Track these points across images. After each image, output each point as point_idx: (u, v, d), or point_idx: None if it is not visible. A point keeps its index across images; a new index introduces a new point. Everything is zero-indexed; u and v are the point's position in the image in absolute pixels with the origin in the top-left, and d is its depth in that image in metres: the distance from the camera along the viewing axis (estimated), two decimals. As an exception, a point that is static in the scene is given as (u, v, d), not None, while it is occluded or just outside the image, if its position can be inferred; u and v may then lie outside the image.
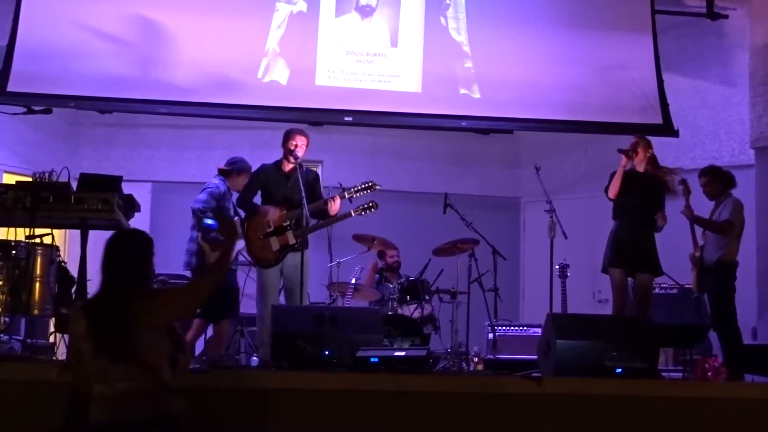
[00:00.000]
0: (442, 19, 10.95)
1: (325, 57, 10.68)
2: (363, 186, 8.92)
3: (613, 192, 8.77)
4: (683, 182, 9.00)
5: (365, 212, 8.98)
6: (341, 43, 10.73)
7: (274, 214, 8.70)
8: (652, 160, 8.90)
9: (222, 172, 9.42)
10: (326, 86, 10.68)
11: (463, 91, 10.83)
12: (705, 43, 11.78)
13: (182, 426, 5.04)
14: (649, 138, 8.98)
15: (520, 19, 10.99)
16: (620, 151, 8.84)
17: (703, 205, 9.21)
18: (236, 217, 9.28)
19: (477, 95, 10.84)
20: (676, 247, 10.87)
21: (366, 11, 10.79)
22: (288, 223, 8.64)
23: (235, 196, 9.20)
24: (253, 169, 9.13)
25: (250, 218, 8.77)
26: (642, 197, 8.78)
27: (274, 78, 10.57)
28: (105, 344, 4.83)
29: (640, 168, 8.86)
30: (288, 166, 8.80)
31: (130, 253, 5.11)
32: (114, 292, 4.95)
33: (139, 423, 4.84)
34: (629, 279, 8.80)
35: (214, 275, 5.45)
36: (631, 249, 8.71)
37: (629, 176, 8.81)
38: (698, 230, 9.13)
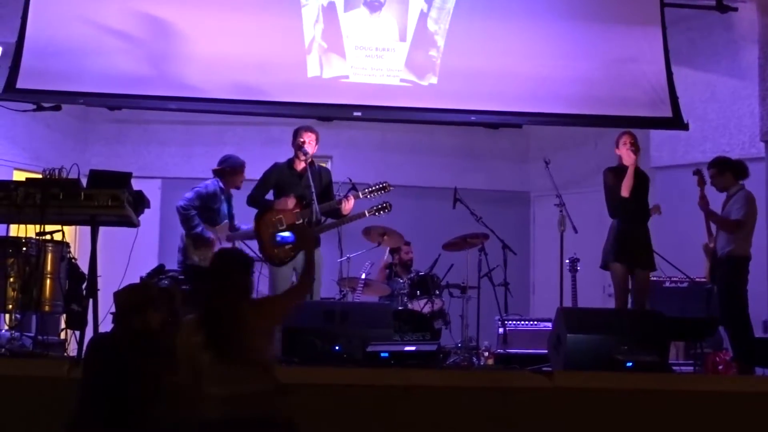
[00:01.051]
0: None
1: (334, 52, 10.68)
2: (377, 187, 8.95)
3: (627, 191, 8.79)
4: (697, 172, 9.01)
5: (379, 213, 9.01)
6: (350, 38, 10.71)
7: (286, 212, 8.70)
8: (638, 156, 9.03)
9: (216, 173, 9.42)
10: (335, 81, 10.65)
11: (471, 85, 10.81)
12: (714, 36, 11.75)
13: (295, 425, 5.37)
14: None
15: (528, 13, 10.95)
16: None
17: (718, 196, 9.18)
18: (225, 221, 9.26)
19: (484, 89, 10.82)
20: (686, 241, 10.88)
21: (374, 6, 10.77)
22: (301, 221, 8.64)
23: (241, 195, 9.20)
24: (265, 167, 9.12)
25: (263, 216, 8.77)
26: (636, 194, 8.82)
27: (285, 73, 10.55)
28: (226, 350, 5.14)
29: (628, 163, 8.92)
30: (300, 165, 8.80)
31: (235, 269, 5.43)
32: (225, 304, 5.27)
33: (255, 421, 5.13)
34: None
35: (306, 283, 5.88)
36: (632, 245, 8.76)
37: (617, 171, 8.88)
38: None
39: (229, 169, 9.41)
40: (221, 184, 9.33)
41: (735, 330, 8.70)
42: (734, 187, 8.98)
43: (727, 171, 9.02)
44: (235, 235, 9.34)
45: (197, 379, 5.15)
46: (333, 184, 9.10)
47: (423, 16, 10.79)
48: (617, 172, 8.95)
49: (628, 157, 8.94)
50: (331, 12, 10.68)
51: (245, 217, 9.23)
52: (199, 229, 8.99)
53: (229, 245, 9.04)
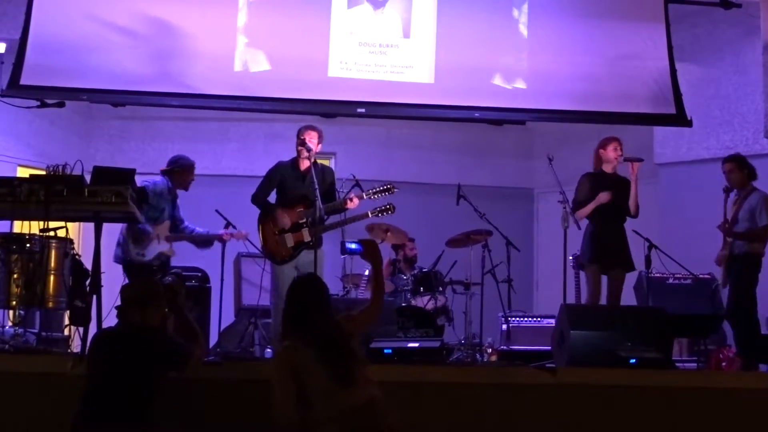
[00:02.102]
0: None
1: (337, 48, 10.66)
2: (382, 188, 8.95)
3: (581, 216, 9.03)
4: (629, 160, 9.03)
5: (382, 214, 9.02)
6: (354, 34, 10.71)
7: (290, 210, 8.70)
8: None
9: (165, 173, 9.37)
10: (339, 77, 10.66)
11: (475, 81, 10.81)
12: (718, 32, 11.73)
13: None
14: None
15: (531, 10, 10.94)
16: (626, 159, 9.06)
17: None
18: (167, 221, 9.18)
19: (488, 85, 10.82)
20: (690, 237, 10.89)
21: (378, 2, 10.77)
22: (304, 220, 8.65)
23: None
24: (269, 162, 9.11)
25: (267, 214, 8.77)
26: (612, 197, 8.84)
27: (287, 69, 10.54)
28: (336, 367, 5.27)
29: (608, 169, 8.95)
30: (304, 164, 8.80)
31: (322, 291, 5.67)
32: (322, 322, 5.43)
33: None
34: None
35: (380, 295, 5.91)
36: (607, 247, 8.81)
37: (598, 178, 8.91)
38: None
39: (179, 170, 9.33)
40: (170, 184, 9.28)
41: (744, 326, 8.69)
42: (747, 187, 8.97)
43: (746, 168, 9.01)
44: (174, 236, 9.28)
45: (310, 402, 5.25)
46: (336, 184, 9.10)
47: (429, 13, 10.78)
48: (596, 178, 8.99)
49: (613, 164, 9.00)
50: (335, 8, 10.67)
51: (248, 215, 9.20)
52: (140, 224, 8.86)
53: (167, 245, 9.02)
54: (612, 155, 9.06)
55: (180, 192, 9.35)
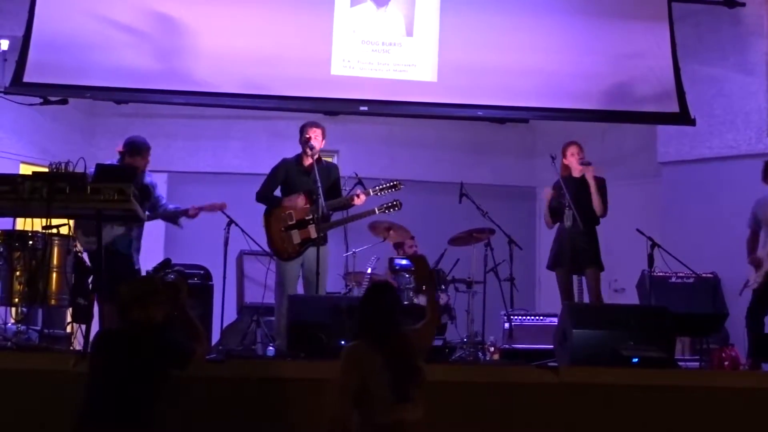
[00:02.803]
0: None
1: (340, 46, 10.65)
2: (388, 185, 8.98)
3: (548, 224, 9.27)
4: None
5: (389, 211, 9.03)
6: (357, 33, 10.70)
7: (296, 207, 8.71)
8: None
9: (120, 155, 9.08)
10: (342, 76, 10.65)
11: (478, 79, 10.80)
12: (722, 31, 11.72)
13: None
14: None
15: (535, 8, 10.93)
16: (582, 163, 9.17)
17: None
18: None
19: (491, 84, 10.81)
20: (692, 236, 10.89)
21: (381, 0, 10.77)
22: (310, 217, 8.66)
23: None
24: (272, 160, 9.12)
25: (272, 212, 8.78)
26: (577, 199, 8.87)
27: (290, 67, 10.54)
28: (400, 380, 5.27)
29: (575, 173, 8.99)
30: (308, 161, 8.81)
31: (396, 300, 5.69)
32: (394, 332, 5.43)
33: None
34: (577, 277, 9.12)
35: (435, 309, 5.91)
36: (574, 249, 8.83)
37: (565, 183, 8.95)
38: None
39: (129, 150, 9.05)
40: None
41: (760, 326, 8.69)
42: None
43: None
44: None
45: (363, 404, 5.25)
46: (341, 180, 9.11)
47: (432, 12, 10.77)
48: (560, 184, 9.09)
49: (575, 168, 9.05)
50: (338, 6, 10.67)
51: (251, 213, 9.19)
52: None
53: (122, 229, 8.84)
54: (571, 160, 9.15)
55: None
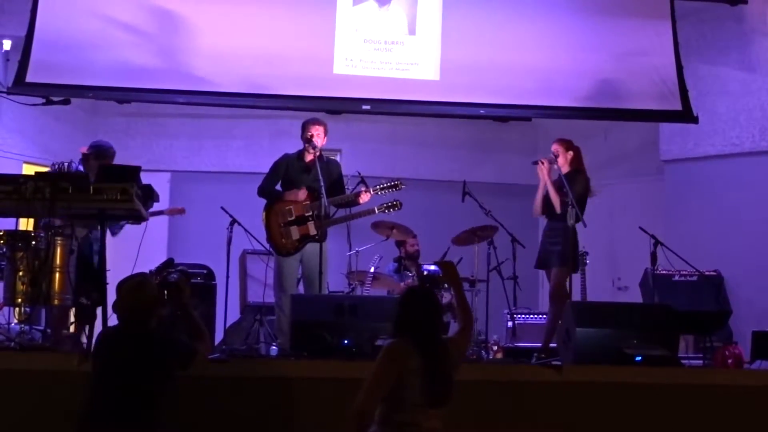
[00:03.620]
0: None
1: (343, 45, 10.65)
2: (389, 184, 8.99)
3: (536, 212, 9.16)
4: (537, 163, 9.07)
5: (389, 210, 9.04)
6: (359, 31, 10.70)
7: (296, 203, 8.71)
8: (575, 159, 9.04)
9: (83, 156, 9.08)
10: (344, 75, 10.65)
11: (480, 78, 10.79)
12: (724, 28, 11.70)
13: None
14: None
15: (537, 6, 10.92)
16: (534, 162, 9.09)
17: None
18: None
19: (493, 82, 10.80)
20: (696, 234, 10.88)
21: (383, -1, 10.78)
22: (310, 213, 8.66)
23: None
24: (274, 159, 9.12)
25: (272, 206, 8.78)
26: (549, 197, 8.89)
27: (293, 66, 10.53)
28: (435, 386, 5.26)
29: (565, 169, 8.95)
30: (309, 157, 8.82)
31: (438, 307, 5.60)
32: (435, 337, 5.42)
33: None
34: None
35: (469, 316, 5.88)
36: (543, 247, 8.88)
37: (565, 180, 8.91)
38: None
39: (95, 154, 9.02)
40: (82, 168, 9.04)
41: None
42: None
43: None
44: None
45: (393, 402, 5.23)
46: (343, 177, 9.12)
47: (434, 10, 10.76)
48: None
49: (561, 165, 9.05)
50: (340, 5, 10.66)
51: (254, 212, 9.18)
52: None
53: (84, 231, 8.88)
54: (560, 160, 9.07)
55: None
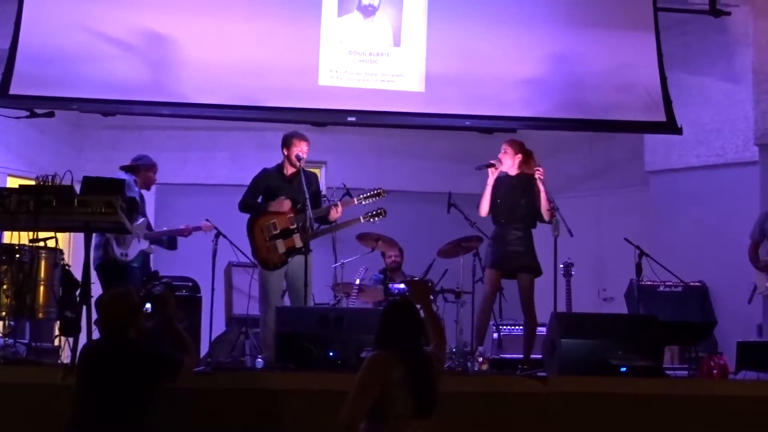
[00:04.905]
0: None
1: (327, 57, 10.65)
2: (372, 193, 8.98)
3: (483, 210, 8.95)
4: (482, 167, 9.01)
5: (373, 219, 9.03)
6: (344, 43, 10.70)
7: (280, 215, 8.69)
8: (525, 161, 8.97)
9: (129, 169, 9.30)
10: (329, 86, 10.64)
11: (466, 89, 10.81)
12: (708, 40, 11.75)
13: None
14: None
15: (522, 18, 10.95)
16: (479, 168, 9.09)
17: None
18: (144, 218, 9.19)
19: (478, 94, 10.82)
20: (680, 244, 10.90)
21: (368, 11, 10.78)
22: (295, 226, 8.65)
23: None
24: (256, 171, 9.11)
25: (256, 220, 8.75)
26: (514, 199, 8.84)
27: (277, 78, 10.52)
28: (419, 397, 5.28)
29: (513, 172, 8.93)
30: (290, 170, 8.80)
31: (419, 318, 5.62)
32: (418, 348, 5.45)
33: None
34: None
35: (440, 332, 5.90)
36: (508, 252, 8.76)
37: (500, 180, 8.87)
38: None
39: (144, 166, 9.34)
40: (134, 179, 9.26)
41: None
42: None
43: None
44: (153, 233, 9.32)
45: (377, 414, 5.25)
46: (323, 191, 9.13)
47: (419, 22, 10.78)
48: (498, 180, 8.97)
49: (509, 167, 9.00)
50: (325, 17, 10.67)
51: (239, 224, 9.17)
52: None
53: (146, 243, 9.03)
54: (509, 162, 9.04)
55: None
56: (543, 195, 8.80)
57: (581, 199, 12.34)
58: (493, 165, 8.92)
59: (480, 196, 8.95)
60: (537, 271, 8.81)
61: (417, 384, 5.26)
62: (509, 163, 8.95)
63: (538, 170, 8.82)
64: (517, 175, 8.93)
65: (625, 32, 11.02)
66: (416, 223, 12.34)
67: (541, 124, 11.24)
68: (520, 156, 8.97)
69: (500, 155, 8.98)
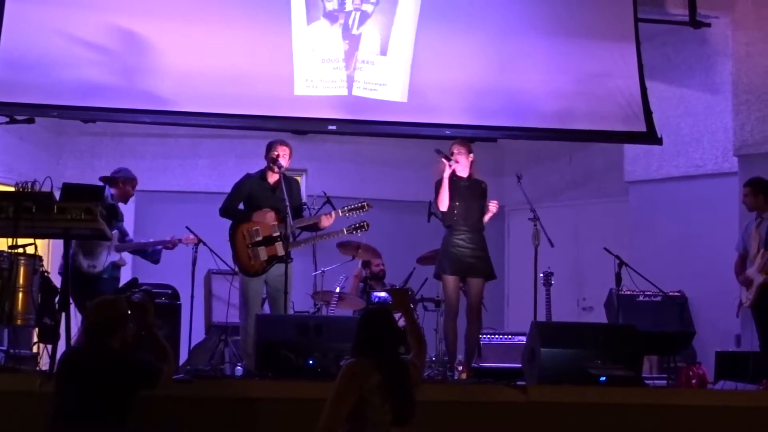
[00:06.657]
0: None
1: (301, 66, 10.58)
2: (356, 206, 8.99)
3: (443, 204, 8.92)
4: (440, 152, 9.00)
5: (356, 232, 9.05)
6: (315, 51, 10.64)
7: (263, 223, 8.68)
8: (474, 165, 9.02)
9: (107, 180, 9.27)
10: (306, 96, 10.59)
11: (447, 99, 10.81)
12: (688, 51, 11.81)
13: None
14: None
15: (503, 28, 10.97)
16: (438, 151, 9.01)
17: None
18: (115, 230, 9.11)
19: (459, 103, 10.83)
20: (659, 254, 10.94)
21: (333, 17, 10.71)
22: (278, 234, 8.63)
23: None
24: (238, 178, 9.10)
25: (238, 227, 8.73)
26: (467, 203, 8.87)
27: (256, 86, 10.50)
28: (396, 404, 5.28)
29: (464, 173, 8.94)
30: (273, 177, 8.79)
31: (395, 326, 5.58)
32: (394, 356, 5.44)
33: None
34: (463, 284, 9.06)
35: (421, 342, 5.86)
36: (462, 256, 8.78)
37: (453, 183, 8.88)
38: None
39: (122, 179, 9.30)
40: (112, 192, 9.22)
41: None
42: (766, 209, 8.94)
43: (761, 193, 8.98)
44: (124, 245, 9.28)
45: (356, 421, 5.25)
46: (304, 198, 9.12)
47: (408, 32, 10.76)
48: (450, 182, 8.94)
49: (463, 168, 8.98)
50: (295, 25, 10.64)
51: (220, 232, 9.15)
52: None
53: (117, 255, 9.01)
54: (463, 162, 9.04)
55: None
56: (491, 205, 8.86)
57: (561, 208, 12.39)
58: (450, 159, 8.89)
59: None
60: (492, 276, 8.86)
61: (394, 392, 5.26)
62: (464, 163, 8.95)
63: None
64: (469, 177, 8.95)
65: (606, 43, 11.06)
66: (397, 231, 12.35)
67: (522, 133, 11.27)
68: (472, 157, 8.98)
69: (455, 156, 8.94)
